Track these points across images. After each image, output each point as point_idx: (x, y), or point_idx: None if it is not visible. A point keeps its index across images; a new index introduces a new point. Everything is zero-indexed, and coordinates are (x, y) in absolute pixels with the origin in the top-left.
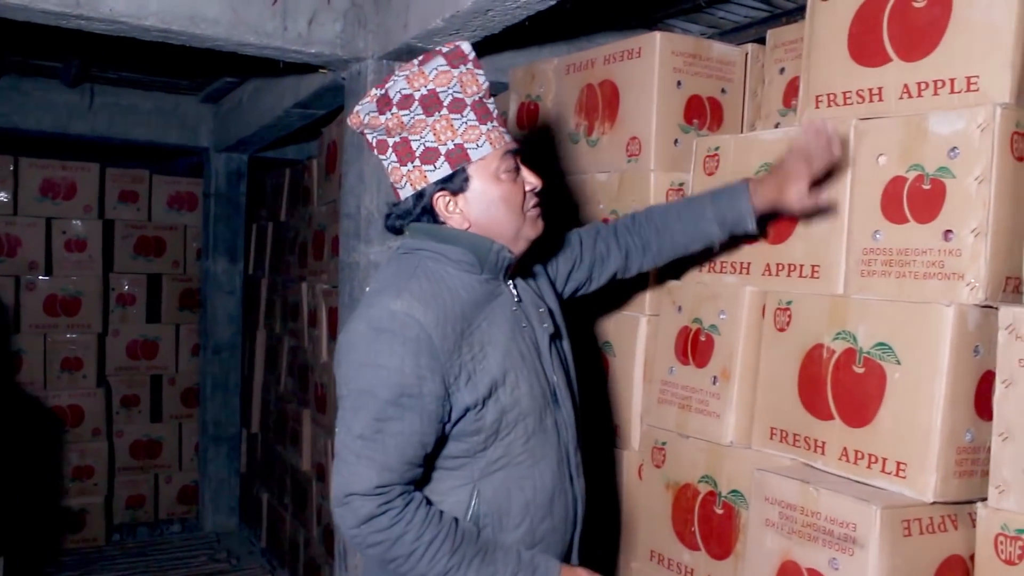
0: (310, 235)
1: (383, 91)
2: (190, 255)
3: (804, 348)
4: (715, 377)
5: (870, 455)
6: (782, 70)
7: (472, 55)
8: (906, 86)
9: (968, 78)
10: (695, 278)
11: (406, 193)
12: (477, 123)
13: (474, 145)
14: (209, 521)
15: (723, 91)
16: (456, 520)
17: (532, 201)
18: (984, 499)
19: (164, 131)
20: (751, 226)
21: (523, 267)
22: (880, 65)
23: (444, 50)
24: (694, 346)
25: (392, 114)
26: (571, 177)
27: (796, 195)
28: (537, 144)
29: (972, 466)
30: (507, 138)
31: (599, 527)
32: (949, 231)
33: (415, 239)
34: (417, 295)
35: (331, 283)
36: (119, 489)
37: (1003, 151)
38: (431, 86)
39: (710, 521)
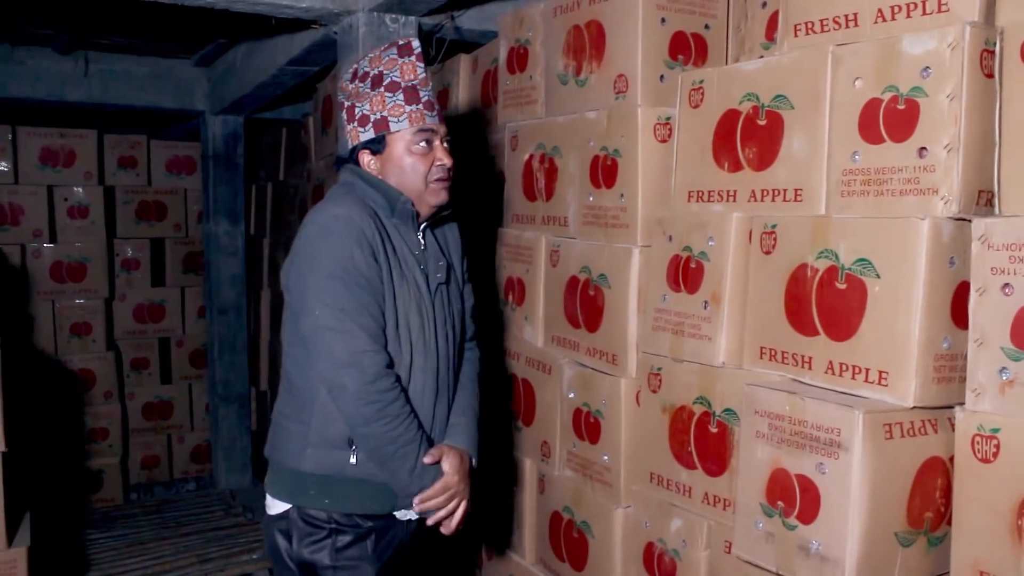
0: (309, 191)
1: (357, 65)
2: (191, 218)
3: (789, 268)
4: (706, 302)
5: (854, 366)
6: (764, 4)
7: (418, 50)
8: (880, 10)
9: None
10: (684, 208)
11: (348, 146)
12: (403, 103)
13: (395, 119)
14: (223, 478)
15: (707, 27)
16: None
17: (437, 175)
18: (962, 403)
19: (159, 96)
20: None
21: (437, 224)
22: None
23: (400, 43)
24: (685, 273)
25: (355, 85)
26: (562, 117)
27: None
28: (526, 87)
29: (950, 372)
30: (428, 120)
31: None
32: (923, 148)
33: (351, 178)
34: (353, 207)
35: None
36: (134, 450)
37: (973, 68)
38: (380, 68)
39: (705, 440)
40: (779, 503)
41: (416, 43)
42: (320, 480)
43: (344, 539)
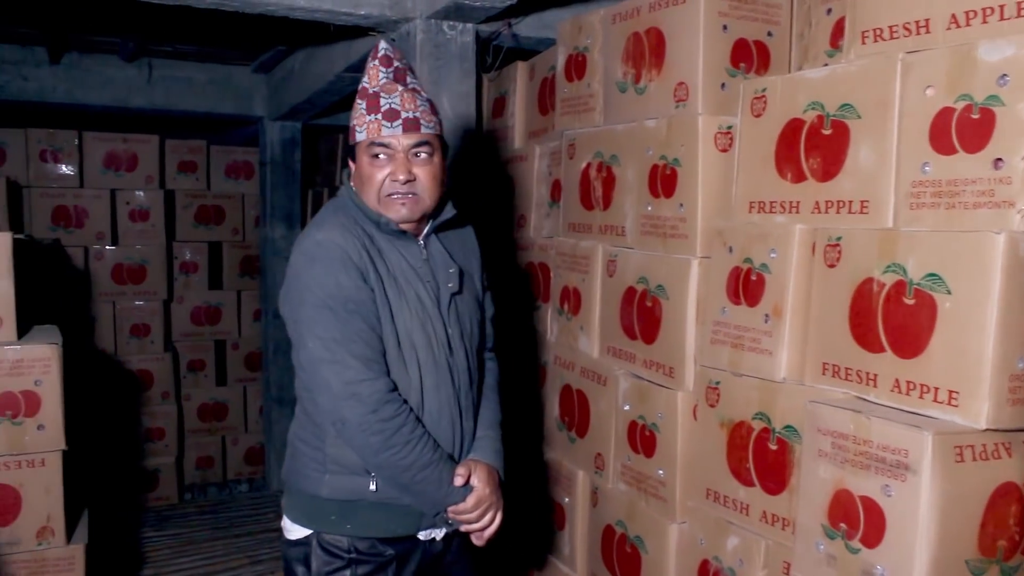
0: None
1: None
2: (249, 223)
3: (854, 283)
4: (767, 315)
5: (922, 385)
6: (829, 11)
7: (382, 54)
8: (954, 16)
9: (1018, 3)
10: (745, 219)
11: None
12: (365, 112)
13: (359, 129)
14: (275, 481)
15: (769, 34)
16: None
17: (390, 189)
18: None
19: (219, 102)
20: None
21: (445, 229)
22: None
23: (376, 46)
24: (745, 286)
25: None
26: (620, 125)
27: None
28: (584, 94)
29: None
30: (384, 132)
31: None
32: (999, 159)
33: (344, 191)
34: (336, 227)
35: None
36: (188, 450)
37: None
38: (364, 74)
39: (765, 457)
40: (842, 525)
41: (383, 45)
42: (341, 506)
43: (363, 569)
